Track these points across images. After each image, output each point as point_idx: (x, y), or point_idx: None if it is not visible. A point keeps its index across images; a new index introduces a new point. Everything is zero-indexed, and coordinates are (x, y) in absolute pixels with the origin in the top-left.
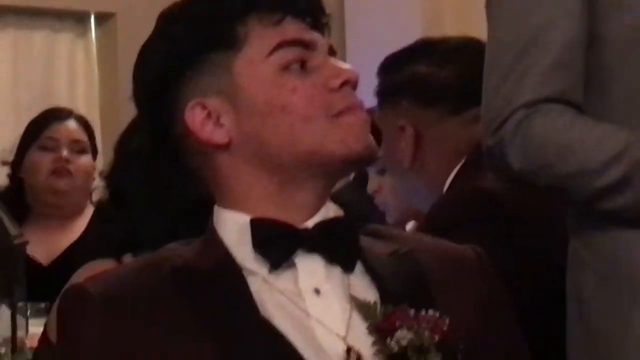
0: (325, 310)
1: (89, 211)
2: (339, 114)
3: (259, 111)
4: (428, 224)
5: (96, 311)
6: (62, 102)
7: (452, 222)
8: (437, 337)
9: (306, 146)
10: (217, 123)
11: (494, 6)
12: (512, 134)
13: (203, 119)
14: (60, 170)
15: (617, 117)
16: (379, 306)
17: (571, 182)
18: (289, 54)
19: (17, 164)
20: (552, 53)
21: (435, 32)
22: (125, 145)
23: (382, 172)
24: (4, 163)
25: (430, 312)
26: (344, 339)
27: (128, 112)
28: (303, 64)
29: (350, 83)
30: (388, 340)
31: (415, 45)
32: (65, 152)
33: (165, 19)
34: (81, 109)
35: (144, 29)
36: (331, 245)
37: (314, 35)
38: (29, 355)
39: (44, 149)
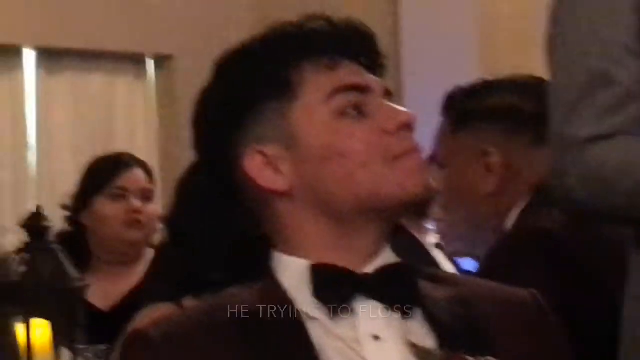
0: (384, 357)
1: (149, 255)
2: (397, 157)
3: (318, 157)
4: (488, 264)
5: (158, 355)
6: (122, 145)
7: (512, 263)
8: None
9: (365, 190)
10: (277, 170)
11: (557, 45)
12: (572, 164)
13: (262, 166)
14: (132, 221)
15: None
16: (439, 352)
17: (629, 200)
18: (345, 99)
19: (79, 210)
20: (618, 87)
21: (493, 72)
22: (185, 187)
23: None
24: (64, 208)
25: (489, 359)
26: None
27: (188, 154)
28: (359, 109)
29: (407, 126)
30: None
31: (487, 80)
32: (136, 203)
33: (222, 67)
34: (141, 151)
35: (202, 70)
36: (391, 291)
37: (369, 79)
38: None
39: (115, 198)
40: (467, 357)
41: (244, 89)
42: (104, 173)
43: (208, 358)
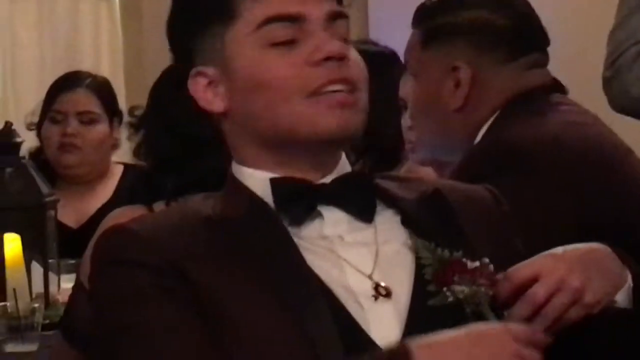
0: (352, 256)
1: (117, 172)
2: (315, 92)
3: (244, 86)
4: (455, 176)
5: (137, 242)
6: (87, 62)
7: (478, 175)
8: (490, 292)
9: (284, 125)
10: (215, 92)
11: None
12: (631, 62)
13: (204, 87)
14: (67, 144)
15: None
16: (438, 249)
17: None
18: (274, 30)
19: (39, 130)
20: None
21: None
22: (157, 95)
23: None
24: (30, 127)
25: (484, 261)
26: (370, 277)
27: (152, 71)
28: (291, 40)
29: (334, 57)
30: (445, 289)
31: None
32: (70, 127)
33: None
34: (105, 68)
35: None
36: (350, 197)
37: (306, 7)
38: (61, 309)
39: (53, 121)
40: (463, 259)
41: (192, 12)
42: (48, 95)
43: (191, 249)
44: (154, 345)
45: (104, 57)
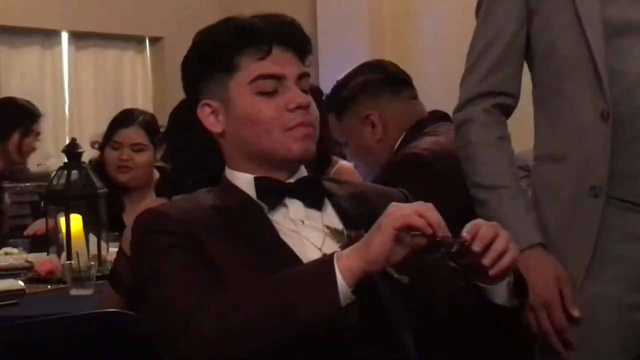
0: (310, 234)
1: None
2: (290, 129)
3: (239, 119)
4: (377, 180)
5: (170, 218)
6: (128, 97)
7: (392, 179)
8: None
9: (266, 148)
10: (217, 118)
11: (479, 16)
12: (457, 122)
13: (209, 114)
14: (122, 166)
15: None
16: (345, 232)
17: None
18: (263, 84)
19: (101, 151)
20: (496, 53)
21: (378, 52)
22: (174, 123)
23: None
24: (93, 146)
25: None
26: (321, 249)
27: (172, 103)
28: (274, 91)
29: (302, 106)
30: None
31: (343, 75)
32: (125, 154)
33: (194, 44)
34: (140, 101)
35: (184, 49)
36: (307, 193)
37: (286, 69)
38: (109, 266)
39: (113, 148)
40: (364, 233)
41: (203, 62)
42: (110, 128)
43: (199, 224)
44: (173, 277)
45: (139, 94)
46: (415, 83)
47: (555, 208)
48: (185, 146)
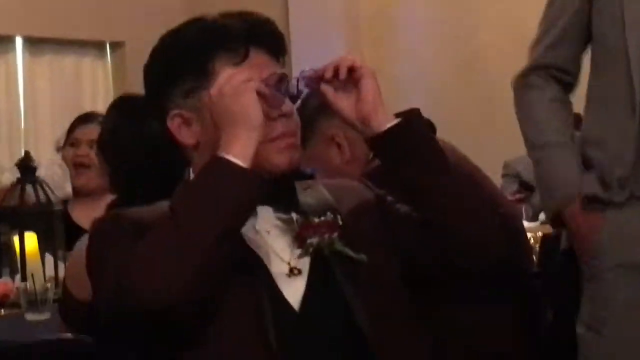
0: (275, 243)
1: None
2: (274, 139)
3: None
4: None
5: (122, 223)
6: (87, 104)
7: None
8: (336, 234)
9: None
10: (189, 129)
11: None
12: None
13: (180, 125)
14: (79, 165)
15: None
16: (295, 220)
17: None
18: None
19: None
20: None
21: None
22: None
23: None
24: (58, 149)
25: (329, 215)
26: (289, 262)
27: None
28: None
29: (286, 115)
30: (305, 245)
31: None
32: (82, 149)
33: (160, 47)
34: (100, 108)
35: (147, 54)
36: (276, 197)
37: (265, 73)
38: None
39: (72, 145)
40: (312, 219)
41: (171, 70)
42: (70, 127)
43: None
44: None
45: (100, 103)
46: (395, 85)
47: None
48: (146, 154)
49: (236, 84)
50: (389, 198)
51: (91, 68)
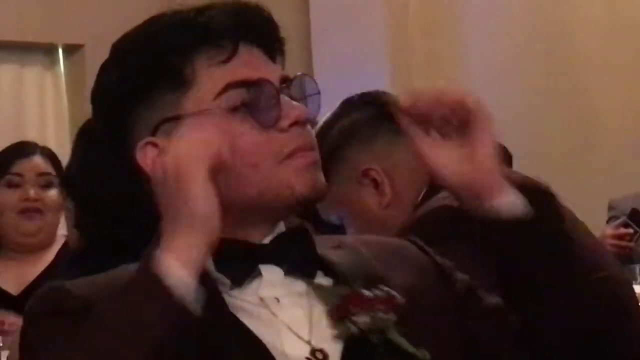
0: (286, 315)
1: (60, 241)
2: (288, 156)
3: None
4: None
5: (70, 299)
6: (32, 132)
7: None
8: (392, 317)
9: (254, 191)
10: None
11: None
12: None
13: (154, 158)
14: (27, 209)
15: None
16: (336, 288)
17: None
18: (237, 96)
19: None
20: None
21: (402, 50)
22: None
23: None
24: None
25: (384, 288)
26: (309, 342)
27: None
28: (252, 105)
29: (300, 122)
30: (347, 322)
31: (326, 118)
32: (32, 191)
33: (118, 51)
34: (51, 139)
35: None
36: (288, 255)
37: (263, 71)
38: None
39: (10, 186)
40: (361, 290)
41: (137, 76)
42: (2, 161)
43: None
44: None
45: (50, 126)
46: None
47: None
48: (124, 191)
49: (183, 156)
50: (449, 264)
51: (38, 78)
